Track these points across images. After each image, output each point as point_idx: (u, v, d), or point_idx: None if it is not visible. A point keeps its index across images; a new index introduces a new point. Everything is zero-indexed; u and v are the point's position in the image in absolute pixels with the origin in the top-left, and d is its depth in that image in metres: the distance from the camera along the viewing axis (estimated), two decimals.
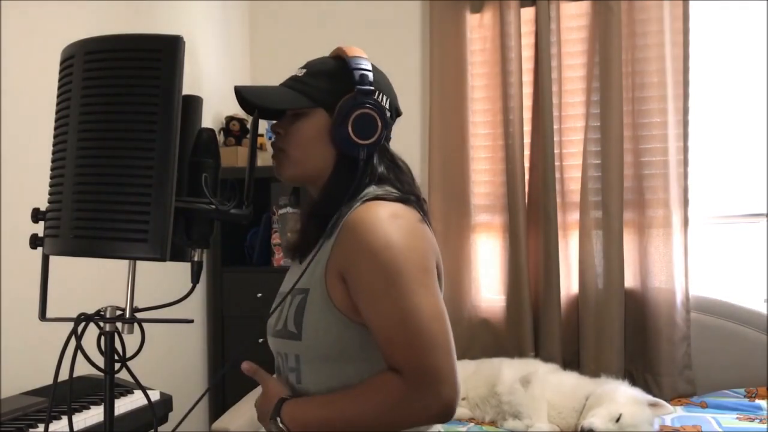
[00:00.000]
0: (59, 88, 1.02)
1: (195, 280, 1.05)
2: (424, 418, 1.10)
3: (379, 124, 1.17)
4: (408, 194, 1.20)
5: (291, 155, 1.22)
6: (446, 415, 1.09)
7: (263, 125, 3.41)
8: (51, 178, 1.02)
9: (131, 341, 1.05)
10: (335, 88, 1.19)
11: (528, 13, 3.20)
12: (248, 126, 3.25)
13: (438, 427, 1.21)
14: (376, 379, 1.11)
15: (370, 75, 1.19)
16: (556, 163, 3.13)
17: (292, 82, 1.23)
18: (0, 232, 2.06)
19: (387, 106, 1.21)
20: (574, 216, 3.14)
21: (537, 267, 3.18)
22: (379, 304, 1.09)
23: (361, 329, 1.13)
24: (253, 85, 1.23)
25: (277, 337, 1.20)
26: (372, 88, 1.18)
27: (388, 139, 1.26)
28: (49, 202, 1.02)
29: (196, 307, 3.12)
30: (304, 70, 1.24)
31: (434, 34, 3.28)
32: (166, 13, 2.95)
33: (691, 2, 3.01)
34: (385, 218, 1.11)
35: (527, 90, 3.19)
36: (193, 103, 1.05)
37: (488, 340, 3.22)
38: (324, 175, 1.21)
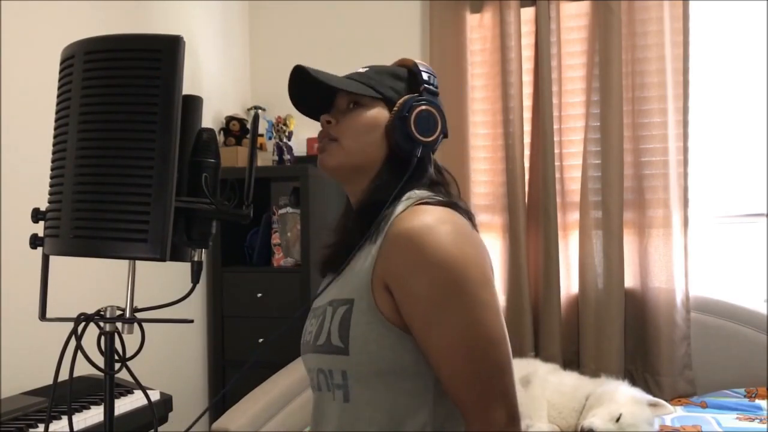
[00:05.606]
0: (59, 88, 1.01)
1: (195, 280, 1.05)
2: None
3: (439, 125, 1.18)
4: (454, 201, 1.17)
5: (343, 144, 1.18)
6: None
7: (263, 125, 3.41)
8: (51, 178, 1.01)
9: (131, 341, 1.05)
10: (398, 86, 1.21)
11: (528, 13, 3.20)
12: (248, 126, 3.25)
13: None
14: None
15: (436, 80, 1.21)
16: (556, 163, 3.13)
17: (355, 75, 1.22)
18: (0, 232, 2.06)
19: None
20: (574, 216, 3.14)
21: (537, 267, 3.18)
22: (439, 325, 1.02)
23: (415, 341, 1.06)
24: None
25: (319, 353, 1.12)
26: (438, 90, 1.21)
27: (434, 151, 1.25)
28: (49, 202, 1.02)
29: (196, 307, 3.12)
30: (367, 68, 1.24)
31: (434, 34, 3.28)
32: (166, 13, 2.95)
33: (691, 2, 3.01)
34: (436, 226, 1.05)
35: (527, 90, 3.19)
36: (193, 103, 1.05)
37: None
38: (372, 169, 1.18)
